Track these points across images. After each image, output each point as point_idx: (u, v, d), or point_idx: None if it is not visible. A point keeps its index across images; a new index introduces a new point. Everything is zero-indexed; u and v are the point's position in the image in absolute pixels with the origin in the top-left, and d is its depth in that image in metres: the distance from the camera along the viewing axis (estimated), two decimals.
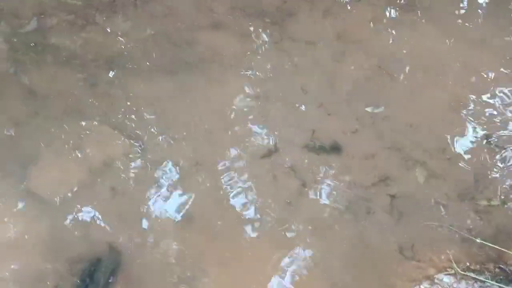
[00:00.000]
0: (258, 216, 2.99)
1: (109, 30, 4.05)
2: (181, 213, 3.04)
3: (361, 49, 3.91)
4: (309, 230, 2.91)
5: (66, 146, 3.30)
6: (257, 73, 3.76)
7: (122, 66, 3.82)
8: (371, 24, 4.13)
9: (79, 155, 3.26)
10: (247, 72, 3.77)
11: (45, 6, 4.15)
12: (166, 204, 3.07)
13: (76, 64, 3.82)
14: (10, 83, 3.72)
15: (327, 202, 3.01)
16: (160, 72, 3.78)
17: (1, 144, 3.34)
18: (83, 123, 3.44)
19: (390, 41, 4.02)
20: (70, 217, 3.02)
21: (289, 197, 3.05)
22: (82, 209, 3.04)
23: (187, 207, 3.06)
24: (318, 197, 3.04)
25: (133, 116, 3.49)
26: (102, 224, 3.00)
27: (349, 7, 4.24)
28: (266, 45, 3.97)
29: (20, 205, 3.09)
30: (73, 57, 3.87)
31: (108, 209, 3.05)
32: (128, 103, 3.57)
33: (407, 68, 3.83)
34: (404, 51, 3.95)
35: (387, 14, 4.20)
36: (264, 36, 4.04)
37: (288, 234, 2.89)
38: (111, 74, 3.76)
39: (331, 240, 2.87)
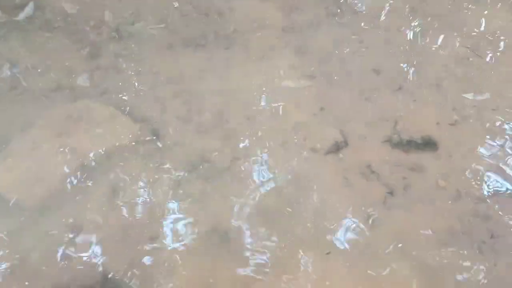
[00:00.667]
0: (327, 236, 2.00)
1: None
2: (211, 229, 2.05)
3: (444, 25, 2.98)
4: (404, 259, 1.91)
5: (51, 130, 2.37)
6: (310, 49, 2.84)
7: (134, 36, 2.92)
8: None
9: (69, 142, 2.31)
10: (297, 48, 2.84)
11: None
12: (188, 214, 2.10)
13: (72, 30, 2.93)
14: None
15: (427, 219, 2.02)
16: (184, 45, 2.88)
17: None
18: (78, 103, 2.51)
19: (479, 18, 3.08)
20: (51, 231, 2.05)
21: (370, 208, 2.06)
22: (69, 219, 2.08)
23: (219, 220, 2.08)
24: (412, 212, 2.05)
25: (146, 96, 2.56)
26: (96, 244, 2.02)
27: None
28: (320, 18, 3.06)
29: None
30: (70, 22, 2.98)
31: (105, 220, 2.08)
32: (141, 80, 2.65)
33: (505, 48, 2.88)
34: (498, 30, 3.00)
35: None
36: (318, 7, 3.14)
37: (375, 263, 1.89)
38: (119, 44, 2.86)
39: (440, 276, 1.86)
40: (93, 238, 2.03)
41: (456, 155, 2.27)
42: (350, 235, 1.99)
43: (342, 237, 1.99)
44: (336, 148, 2.29)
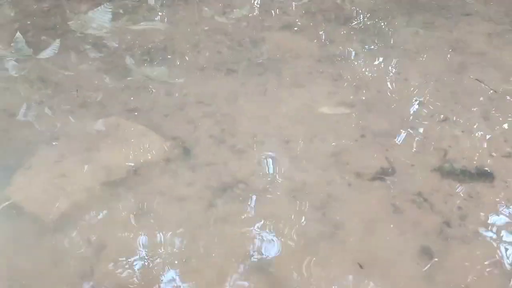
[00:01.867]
0: (377, 266, 1.78)
1: (150, 20, 3.15)
2: (248, 264, 1.83)
3: (485, 63, 2.90)
4: None
5: (78, 144, 2.22)
6: (346, 78, 2.74)
7: (164, 59, 2.84)
8: (490, 38, 3.15)
9: (96, 157, 2.16)
10: (333, 77, 2.75)
11: None
12: (222, 238, 1.89)
13: (103, 52, 2.86)
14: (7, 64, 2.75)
15: (492, 253, 1.80)
16: (216, 69, 2.79)
17: None
18: (105, 119, 2.38)
19: None
20: (71, 248, 1.84)
21: (424, 240, 1.85)
22: (91, 237, 1.87)
23: (257, 254, 1.86)
24: (472, 244, 1.84)
25: (176, 116, 2.44)
26: (118, 264, 1.81)
27: (456, 21, 3.30)
28: (355, 50, 2.99)
29: None
30: (101, 45, 2.92)
31: (129, 238, 1.88)
32: (171, 100, 2.53)
33: None
34: None
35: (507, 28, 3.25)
36: (353, 40, 3.08)
37: None
38: (149, 66, 2.77)
39: None
40: (116, 258, 1.82)
41: None
42: (403, 266, 1.78)
43: (394, 269, 1.77)
44: (383, 174, 2.12)
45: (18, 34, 2.87)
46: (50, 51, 2.84)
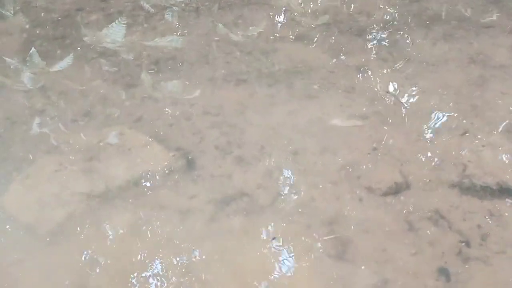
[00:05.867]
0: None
1: (158, 32, 3.10)
2: (252, 281, 1.72)
3: (507, 76, 2.75)
4: None
5: (79, 153, 2.15)
6: (360, 91, 2.63)
7: (172, 69, 2.78)
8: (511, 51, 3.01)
9: (96, 167, 2.08)
10: (345, 89, 2.64)
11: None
12: (228, 257, 1.78)
13: (111, 62, 2.81)
14: (15, 73, 2.72)
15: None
16: (224, 79, 2.71)
17: None
18: (108, 129, 2.31)
19: None
20: (66, 261, 1.75)
21: (441, 261, 1.71)
22: (86, 250, 1.78)
23: (261, 271, 1.75)
24: (497, 267, 1.69)
25: (182, 126, 2.35)
26: (111, 279, 1.71)
27: (477, 33, 3.17)
28: (369, 62, 2.88)
29: None
30: (109, 54, 2.87)
31: (126, 252, 1.78)
32: (177, 110, 2.46)
33: None
34: None
35: None
36: (367, 53, 2.98)
37: None
38: (157, 76, 2.71)
39: None
40: (112, 272, 1.72)
41: None
42: None
43: None
44: (396, 189, 1.99)
45: (33, 49, 2.81)
46: (63, 64, 2.78)
